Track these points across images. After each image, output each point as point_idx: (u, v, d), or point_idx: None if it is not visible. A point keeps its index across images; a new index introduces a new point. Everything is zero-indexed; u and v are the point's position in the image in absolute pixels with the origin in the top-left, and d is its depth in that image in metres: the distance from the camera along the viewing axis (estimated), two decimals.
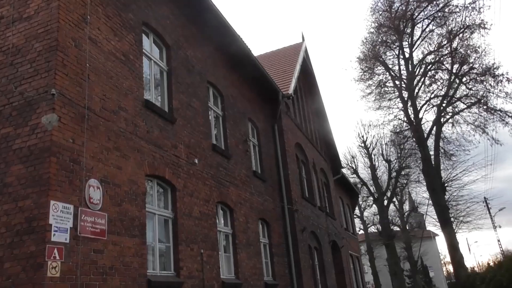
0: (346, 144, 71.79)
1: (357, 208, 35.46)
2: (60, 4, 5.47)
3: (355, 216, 33.33)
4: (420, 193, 41.62)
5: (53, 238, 4.62)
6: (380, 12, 24.45)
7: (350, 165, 35.38)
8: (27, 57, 5.38)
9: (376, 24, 24.50)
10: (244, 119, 11.66)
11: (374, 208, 36.86)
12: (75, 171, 5.13)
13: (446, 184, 23.97)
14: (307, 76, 19.06)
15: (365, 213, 39.76)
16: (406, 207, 40.11)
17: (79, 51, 5.66)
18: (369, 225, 39.98)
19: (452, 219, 24.14)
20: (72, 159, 5.12)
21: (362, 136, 34.61)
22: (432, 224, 45.99)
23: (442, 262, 54.62)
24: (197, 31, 9.62)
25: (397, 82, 24.77)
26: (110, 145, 5.89)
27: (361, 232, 39.66)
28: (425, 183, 24.51)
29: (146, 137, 6.79)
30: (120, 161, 6.00)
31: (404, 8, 23.52)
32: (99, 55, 6.07)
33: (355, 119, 77.24)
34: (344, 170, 26.28)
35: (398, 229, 37.88)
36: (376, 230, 38.35)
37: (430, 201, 23.59)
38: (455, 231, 23.44)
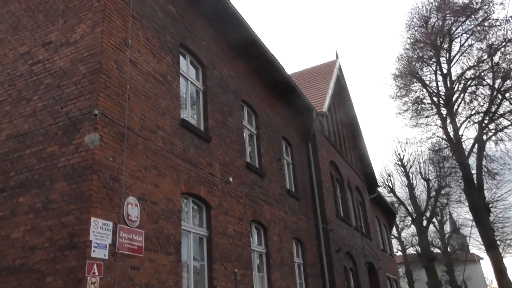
0: (382, 162, 69.94)
1: (394, 228, 34.25)
2: (104, 29, 5.76)
3: (392, 236, 32.18)
4: (462, 213, 39.84)
5: (93, 254, 4.75)
6: (416, 28, 24.04)
7: (387, 183, 34.45)
8: (73, 79, 5.66)
9: (412, 40, 24.07)
10: (277, 137, 11.66)
11: (413, 229, 35.47)
12: (115, 189, 5.28)
13: (490, 205, 22.76)
14: (341, 93, 18.90)
15: (403, 234, 38.34)
16: (447, 228, 38.36)
17: (120, 73, 5.90)
18: (407, 247, 38.45)
19: (498, 242, 22.80)
20: (112, 177, 5.28)
21: (399, 154, 33.72)
22: (476, 247, 43.53)
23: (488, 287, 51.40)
24: (231, 51, 9.82)
25: (435, 99, 24.06)
26: (148, 163, 6.04)
27: (399, 253, 38.16)
28: (467, 203, 23.37)
29: (182, 156, 6.92)
30: (157, 179, 6.13)
31: (440, 23, 23.01)
32: (139, 76, 6.30)
33: (391, 136, 75.52)
34: (380, 189, 25.58)
35: (438, 251, 36.15)
36: (415, 252, 36.77)
37: (473, 223, 22.43)
38: (502, 255, 22.08)
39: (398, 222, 35.66)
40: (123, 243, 5.20)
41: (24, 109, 5.92)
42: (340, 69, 18.84)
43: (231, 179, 8.33)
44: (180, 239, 6.34)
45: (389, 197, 32.54)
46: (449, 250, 36.50)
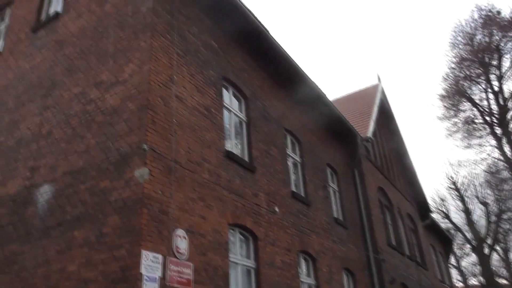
0: (433, 186, 66.15)
1: (452, 257, 32.02)
2: (151, 68, 6.03)
3: (450, 266, 30.07)
4: None
5: (144, 287, 4.77)
6: (461, 46, 23.29)
7: (440, 209, 32.54)
8: (123, 116, 5.92)
9: (458, 59, 23.30)
10: (322, 164, 11.46)
11: (473, 257, 32.96)
12: (164, 222, 5.35)
13: None
14: (385, 117, 18.44)
15: (463, 263, 35.63)
16: None
17: (167, 108, 6.10)
18: (468, 277, 35.68)
19: None
20: (161, 210, 5.37)
21: (452, 177, 31.92)
22: None
23: None
24: (272, 81, 9.92)
25: (487, 118, 22.87)
26: (195, 195, 6.10)
27: (460, 284, 35.46)
28: None
29: (228, 187, 6.94)
30: (204, 211, 6.16)
31: (487, 40, 22.14)
32: (184, 110, 6.49)
33: (442, 159, 71.96)
34: (433, 215, 24.21)
35: (506, 282, 33.15)
36: (478, 283, 33.99)
37: None
38: None
39: (455, 250, 33.34)
40: (173, 275, 5.21)
41: (78, 146, 6.23)
42: (383, 92, 18.46)
43: (277, 209, 8.21)
44: (228, 271, 6.26)
45: (444, 223, 30.65)
46: None
